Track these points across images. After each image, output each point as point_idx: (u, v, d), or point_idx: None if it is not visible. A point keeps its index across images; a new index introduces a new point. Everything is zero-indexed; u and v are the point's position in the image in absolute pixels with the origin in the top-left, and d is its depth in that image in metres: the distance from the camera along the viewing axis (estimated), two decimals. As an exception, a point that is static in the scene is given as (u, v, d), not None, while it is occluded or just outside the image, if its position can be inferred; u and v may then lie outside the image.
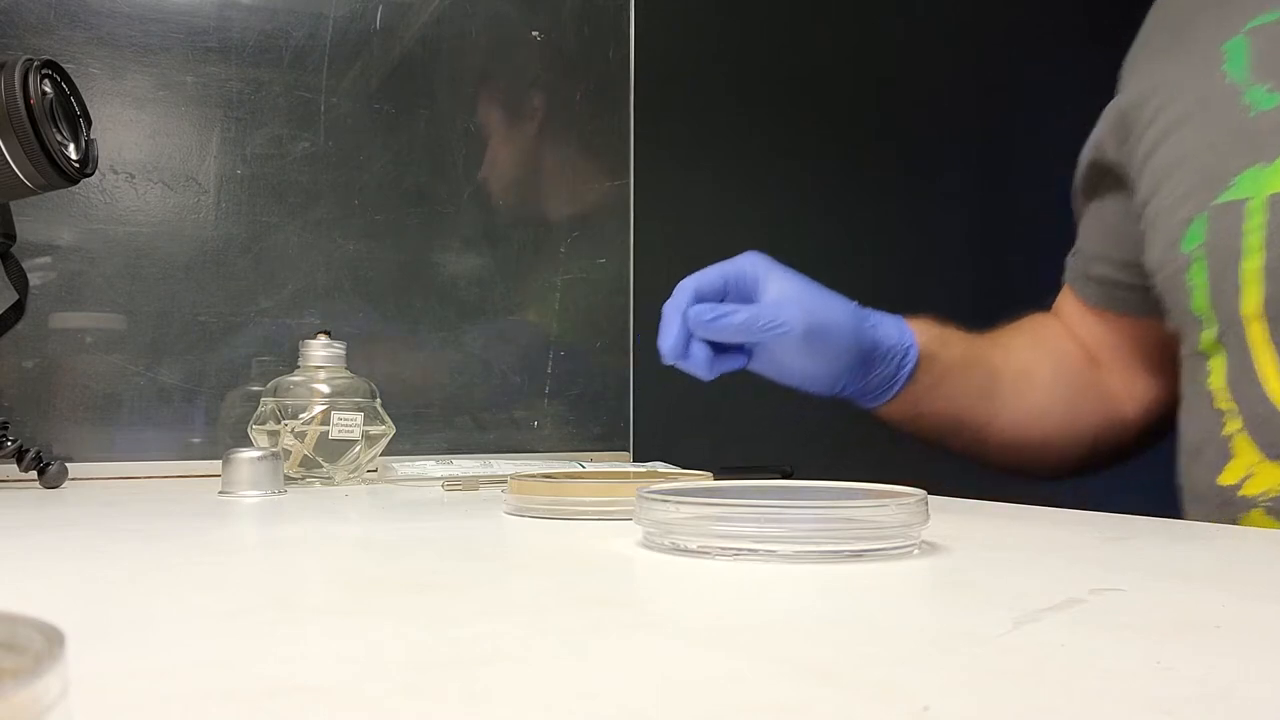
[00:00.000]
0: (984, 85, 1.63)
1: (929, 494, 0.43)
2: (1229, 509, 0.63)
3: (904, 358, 0.73)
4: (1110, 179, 0.77)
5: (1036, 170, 1.67)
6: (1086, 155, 0.80)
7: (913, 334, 0.74)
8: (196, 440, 0.94)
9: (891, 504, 0.41)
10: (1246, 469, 0.63)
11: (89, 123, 0.74)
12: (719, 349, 0.67)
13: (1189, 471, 0.69)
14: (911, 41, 1.58)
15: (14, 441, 0.75)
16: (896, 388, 0.73)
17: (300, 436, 0.78)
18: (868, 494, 0.45)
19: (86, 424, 0.90)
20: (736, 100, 1.45)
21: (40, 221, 0.88)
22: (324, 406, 0.78)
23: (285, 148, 0.99)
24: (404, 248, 1.04)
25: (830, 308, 0.69)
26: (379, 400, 0.82)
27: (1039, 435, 0.80)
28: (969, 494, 0.65)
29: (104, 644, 0.26)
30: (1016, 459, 0.81)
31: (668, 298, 0.67)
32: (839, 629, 0.29)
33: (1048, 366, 0.81)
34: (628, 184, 1.14)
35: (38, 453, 0.76)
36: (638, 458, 1.12)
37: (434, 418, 1.04)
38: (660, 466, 0.87)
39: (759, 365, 0.70)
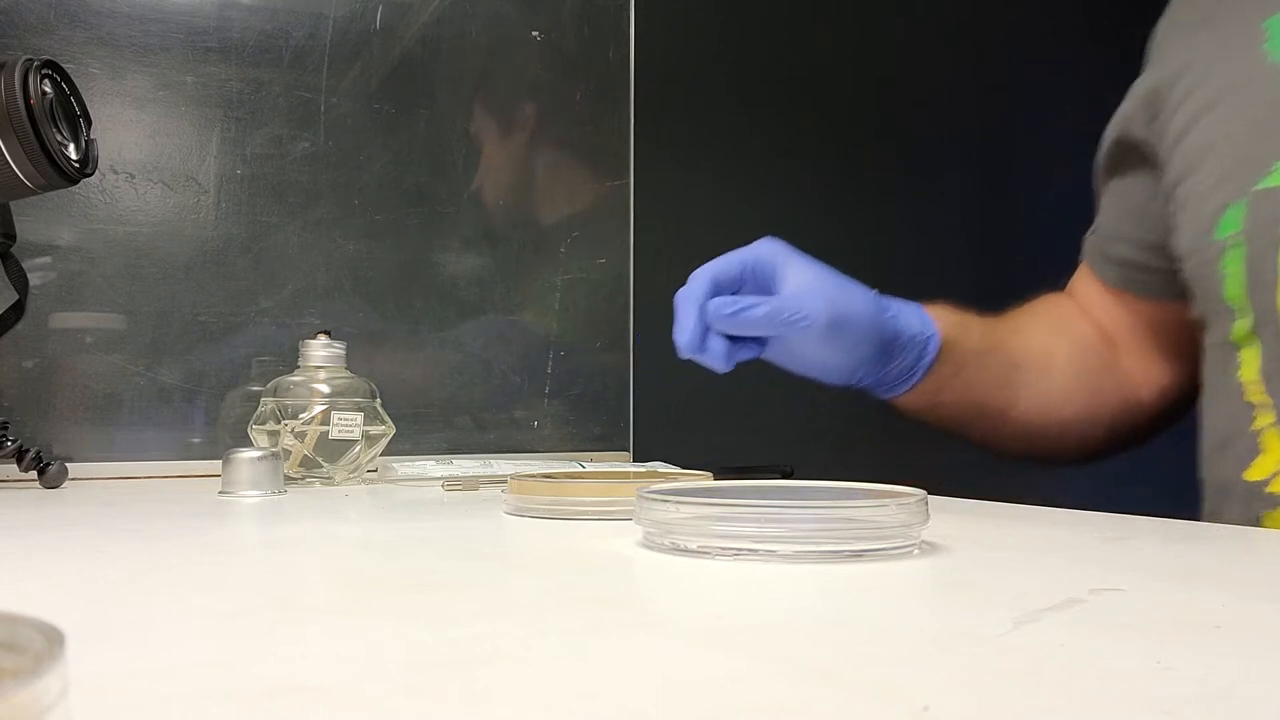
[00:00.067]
0: (984, 85, 1.63)
1: (929, 494, 0.43)
2: (1255, 505, 0.62)
3: (924, 347, 0.70)
4: (1136, 157, 0.75)
5: (1036, 170, 1.67)
6: (1112, 132, 0.77)
7: (934, 324, 0.71)
8: (196, 440, 0.94)
9: (891, 504, 0.41)
10: (1277, 465, 0.61)
11: (89, 123, 0.74)
12: (734, 339, 0.64)
13: (1213, 464, 0.67)
14: (911, 41, 1.58)
15: (14, 441, 0.75)
16: (916, 378, 0.71)
17: (300, 436, 0.78)
18: (868, 494, 0.45)
19: (86, 424, 0.90)
20: (736, 100, 1.44)
21: (40, 221, 0.88)
22: (324, 406, 0.78)
23: (285, 148, 0.99)
24: (404, 248, 1.04)
25: (852, 297, 0.66)
26: (379, 400, 0.82)
27: (1057, 422, 0.78)
28: (969, 494, 0.65)
29: (104, 644, 0.26)
30: (1035, 446, 0.79)
31: (669, 297, 0.66)
32: (839, 629, 0.29)
33: (1066, 352, 0.79)
34: (628, 184, 1.14)
35: (38, 453, 0.76)
36: (638, 458, 1.12)
37: (434, 418, 1.04)
38: (660, 466, 0.87)
39: (774, 355, 0.67)
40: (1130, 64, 0.78)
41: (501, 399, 1.07)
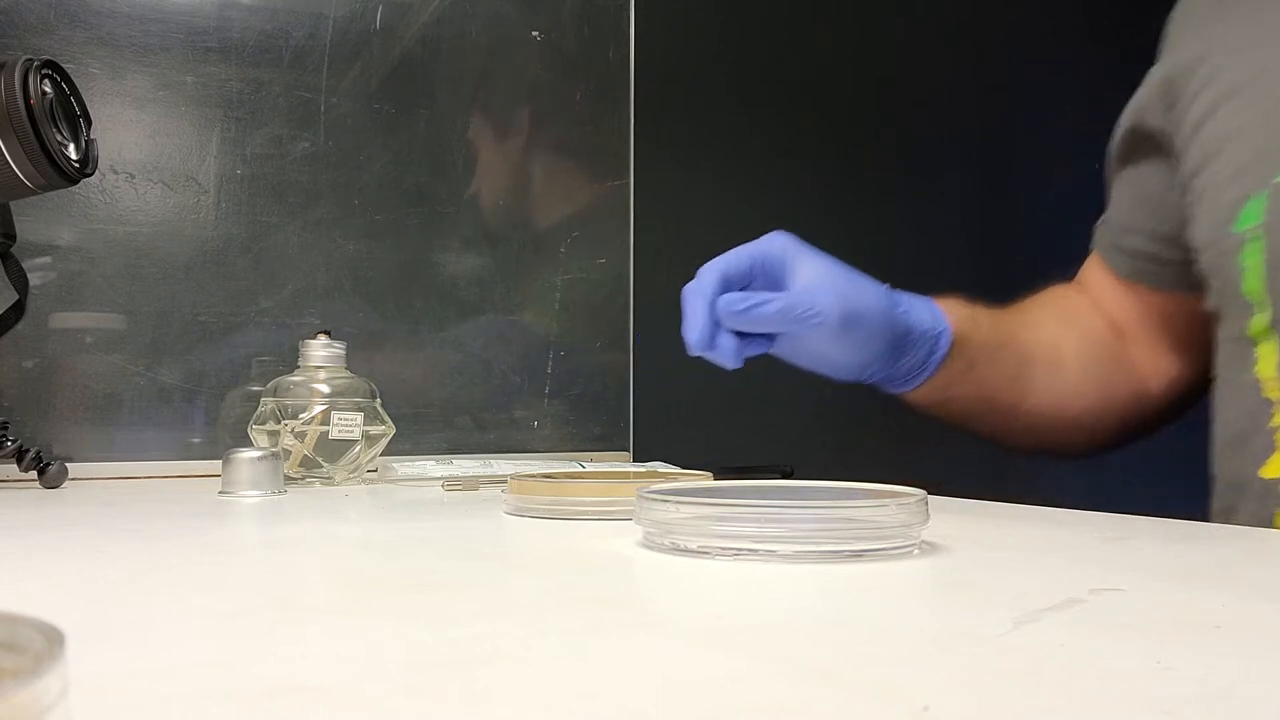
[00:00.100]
0: (984, 85, 1.63)
1: (929, 494, 0.43)
2: (1270, 503, 0.61)
3: (936, 342, 0.69)
4: (1150, 146, 0.74)
5: (1036, 170, 1.67)
6: (1125, 120, 0.76)
7: (945, 319, 0.70)
8: (196, 440, 0.94)
9: (891, 504, 0.41)
10: None
11: (89, 123, 0.74)
12: (744, 335, 0.63)
13: (1227, 461, 0.67)
14: (911, 41, 1.58)
15: (14, 441, 0.75)
16: (927, 373, 0.70)
17: (300, 436, 0.78)
18: (868, 494, 0.45)
19: (86, 424, 0.90)
20: (736, 100, 1.45)
21: (40, 221, 0.88)
22: (324, 406, 0.78)
23: (285, 148, 0.99)
24: (404, 248, 1.04)
25: (864, 293, 0.65)
26: (379, 400, 0.82)
27: (1068, 415, 0.77)
28: (969, 493, 0.65)
29: (104, 644, 0.26)
30: (1045, 440, 0.79)
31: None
32: (839, 629, 0.29)
33: (1075, 344, 0.78)
34: (628, 184, 1.14)
35: (38, 453, 0.76)
36: (638, 458, 1.12)
37: (434, 418, 1.04)
38: (660, 466, 0.87)
39: (783, 351, 0.66)
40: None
41: (501, 399, 1.07)
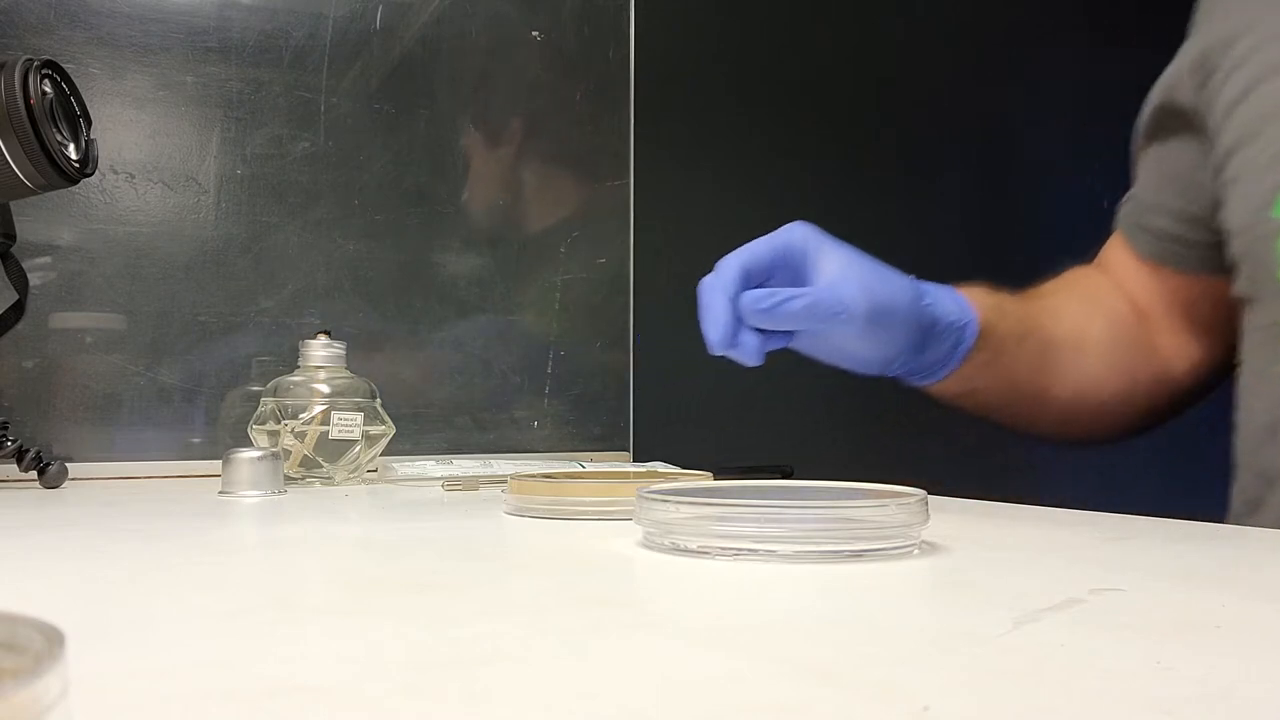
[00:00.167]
0: (984, 85, 1.63)
1: (929, 494, 0.43)
2: None
3: (962, 334, 0.67)
4: (1181, 123, 0.72)
5: (1036, 170, 1.67)
6: (1156, 96, 0.74)
7: (972, 310, 0.68)
8: (196, 440, 0.94)
9: (891, 504, 0.41)
10: None
11: (89, 123, 0.74)
12: (765, 331, 0.60)
13: (1255, 452, 0.65)
14: (911, 41, 1.58)
15: (14, 441, 0.75)
16: (952, 365, 0.68)
17: (300, 436, 0.78)
18: (868, 494, 0.45)
19: (86, 424, 0.90)
20: (736, 100, 1.45)
21: (40, 221, 0.88)
22: (324, 406, 0.78)
23: (285, 148, 0.99)
24: (404, 248, 1.04)
25: (890, 285, 0.62)
26: (379, 400, 0.82)
27: (1093, 403, 0.76)
28: (969, 493, 0.65)
29: (104, 644, 0.26)
30: (1070, 428, 0.77)
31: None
32: (839, 629, 0.29)
33: (1100, 331, 0.76)
34: (628, 184, 1.14)
35: (38, 453, 0.76)
36: (638, 458, 1.12)
37: (434, 418, 1.04)
38: (660, 466, 0.87)
39: (803, 346, 0.63)
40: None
41: (501, 399, 1.07)
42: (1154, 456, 1.43)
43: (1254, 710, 0.21)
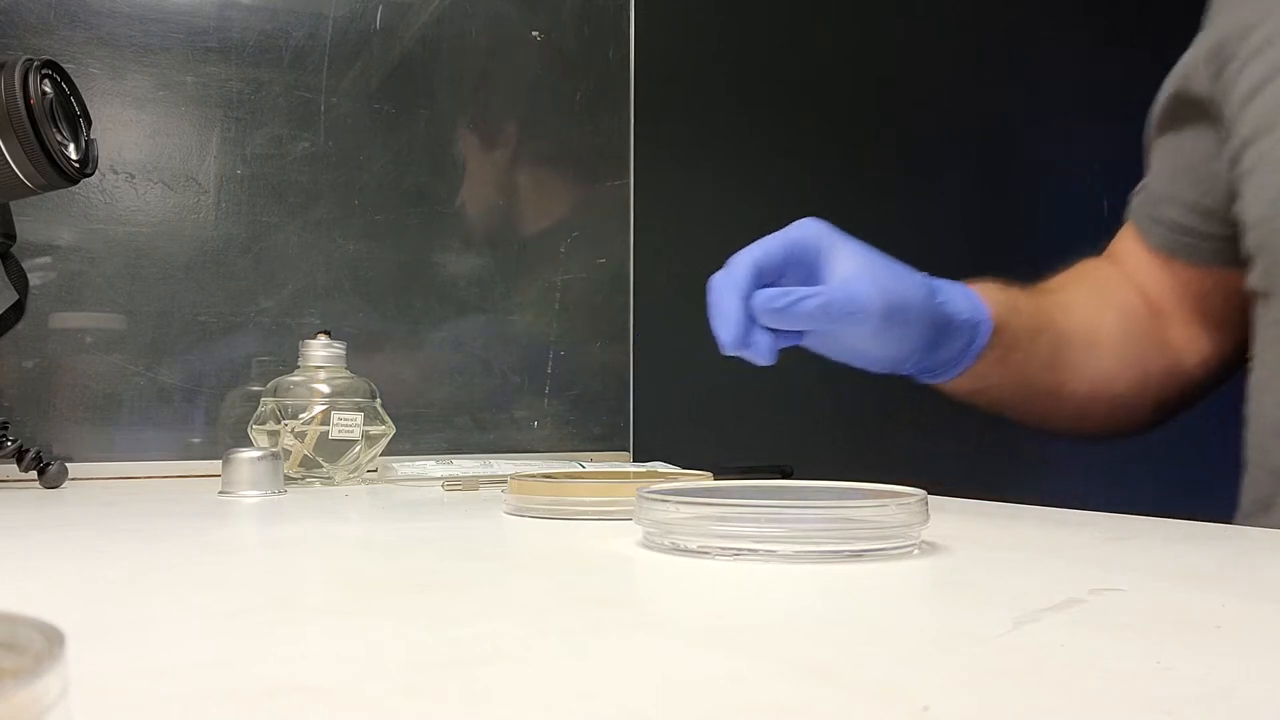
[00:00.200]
0: (984, 85, 1.63)
1: (929, 494, 0.43)
2: None
3: (975, 332, 0.66)
4: (1195, 113, 0.71)
5: (1036, 170, 1.67)
6: (1170, 85, 0.73)
7: (985, 307, 0.67)
8: (196, 440, 0.94)
9: (891, 504, 0.41)
10: None
11: (89, 123, 0.74)
12: (776, 329, 0.58)
13: (1267, 448, 0.64)
14: (911, 41, 1.58)
15: (14, 441, 0.75)
16: (965, 363, 0.67)
17: (300, 436, 0.78)
18: (868, 494, 0.45)
19: (86, 424, 0.90)
20: (736, 100, 1.44)
21: (40, 221, 0.88)
22: (324, 406, 0.78)
23: (285, 148, 0.99)
24: (404, 248, 1.04)
25: (905, 284, 0.61)
26: (379, 400, 0.82)
27: (1106, 398, 0.75)
28: (969, 493, 0.65)
29: (104, 644, 0.26)
30: (1084, 423, 0.77)
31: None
32: (839, 629, 0.29)
33: (1113, 325, 0.76)
34: (628, 184, 1.14)
35: (38, 453, 0.76)
36: (638, 458, 1.12)
37: (434, 418, 1.04)
38: (660, 466, 0.87)
39: (815, 344, 0.62)
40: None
41: (501, 399, 1.07)
42: (1161, 454, 1.43)
43: (1254, 710, 0.21)
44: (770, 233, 0.62)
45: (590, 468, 0.89)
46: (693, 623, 0.30)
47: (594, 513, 0.54)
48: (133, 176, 0.93)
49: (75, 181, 0.71)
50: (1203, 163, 0.71)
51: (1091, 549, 0.45)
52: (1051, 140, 1.66)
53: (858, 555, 0.40)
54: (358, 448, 0.80)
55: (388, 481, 0.83)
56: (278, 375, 0.81)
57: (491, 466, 0.84)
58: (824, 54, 1.51)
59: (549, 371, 1.09)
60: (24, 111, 0.67)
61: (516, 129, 1.10)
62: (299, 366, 0.81)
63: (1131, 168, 0.80)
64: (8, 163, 0.67)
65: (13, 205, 0.77)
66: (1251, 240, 0.65)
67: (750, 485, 0.52)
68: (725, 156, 1.42)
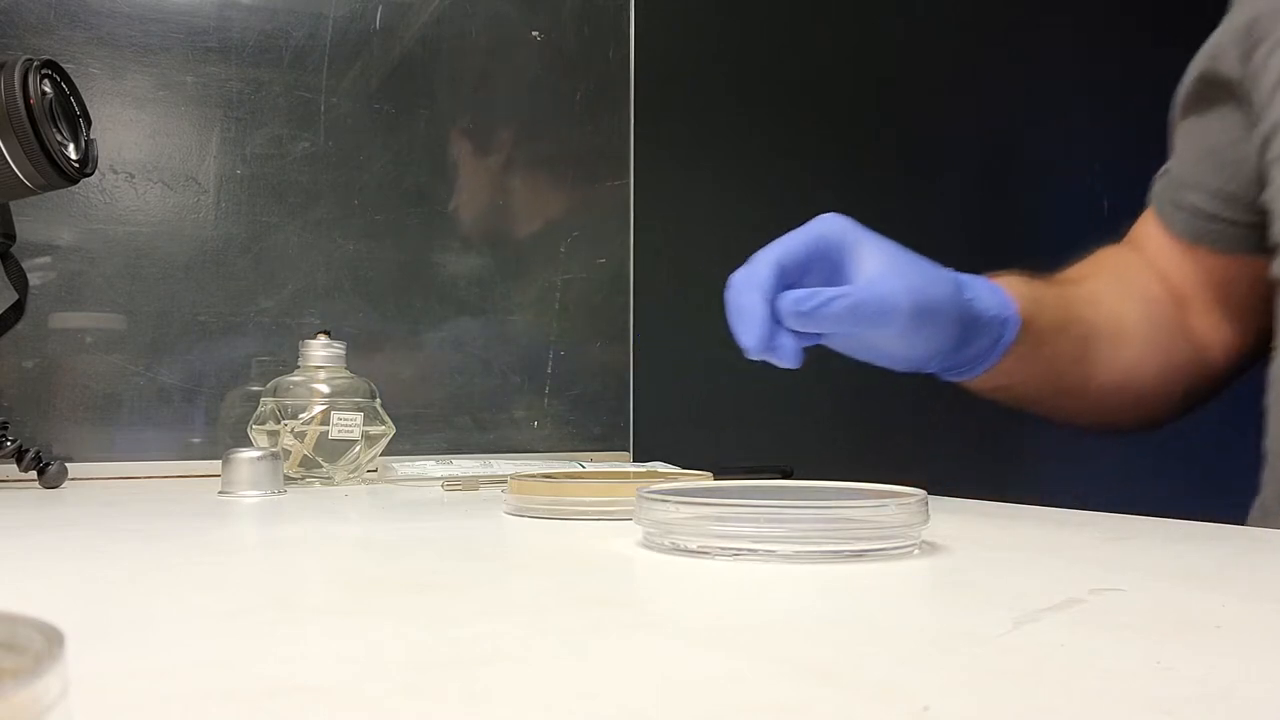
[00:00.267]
0: (984, 85, 1.63)
1: (929, 494, 0.43)
2: None
3: (1003, 329, 0.64)
4: (1223, 94, 0.69)
5: (1036, 170, 1.67)
6: (1197, 66, 0.71)
7: (1013, 303, 0.65)
8: (196, 440, 0.94)
9: (891, 504, 0.41)
10: None
11: (89, 123, 0.74)
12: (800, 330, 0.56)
13: None
14: (911, 41, 1.58)
15: (14, 441, 0.75)
16: (991, 361, 0.65)
17: (300, 436, 0.78)
18: (868, 494, 0.45)
19: (86, 424, 0.90)
20: (736, 100, 1.45)
21: (40, 221, 0.88)
22: (324, 406, 0.78)
23: (285, 148, 0.99)
24: (404, 248, 1.04)
25: (933, 282, 0.59)
26: (379, 400, 0.82)
27: (1133, 391, 0.73)
28: (969, 493, 0.65)
29: (104, 644, 0.26)
30: (1110, 417, 0.75)
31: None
32: (839, 629, 0.29)
33: (1138, 316, 0.74)
34: (628, 184, 1.14)
35: (38, 453, 0.76)
36: (638, 458, 1.12)
37: (434, 418, 1.04)
38: (660, 466, 0.87)
39: (837, 344, 0.60)
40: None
41: (501, 399, 1.07)
42: (1162, 454, 1.43)
43: (1254, 710, 0.21)
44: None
45: (590, 468, 0.89)
46: (693, 623, 0.30)
47: (594, 513, 0.54)
48: (133, 176, 0.93)
49: (75, 181, 0.71)
50: (1229, 146, 0.69)
51: (1091, 549, 0.45)
52: (1051, 140, 1.66)
53: (858, 555, 0.40)
54: (358, 448, 0.80)
55: (388, 481, 0.83)
56: (278, 375, 0.81)
57: (491, 466, 0.84)
58: (824, 54, 1.51)
59: (549, 371, 1.09)
60: (24, 111, 0.67)
61: (516, 129, 1.10)
62: (299, 366, 0.81)
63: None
64: (7, 163, 0.67)
65: (13, 205, 0.77)
66: (1277, 230, 0.64)
67: (750, 485, 0.52)
68: (725, 156, 1.42)
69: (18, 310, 0.78)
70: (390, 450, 0.84)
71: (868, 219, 0.61)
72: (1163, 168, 0.76)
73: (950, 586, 0.37)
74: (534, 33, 1.10)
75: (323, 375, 0.80)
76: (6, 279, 0.78)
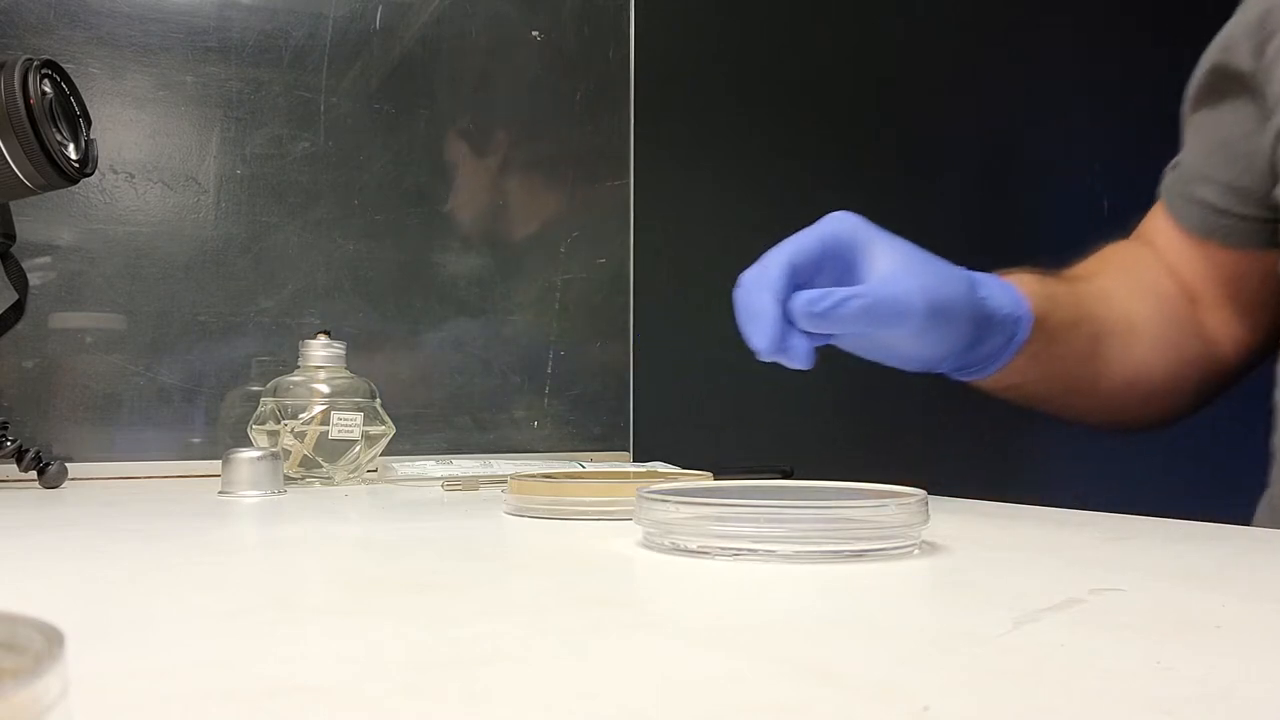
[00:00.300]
0: (984, 85, 1.63)
1: (929, 494, 0.43)
2: None
3: (1016, 327, 0.63)
4: (1235, 88, 0.68)
5: (1036, 170, 1.67)
6: (1208, 58, 0.70)
7: (1025, 302, 0.64)
8: (196, 440, 0.94)
9: (891, 504, 0.41)
10: None
11: (89, 123, 0.74)
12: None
13: None
14: (911, 41, 1.58)
15: (14, 441, 0.75)
16: (1003, 360, 0.64)
17: (300, 436, 0.78)
18: (868, 494, 0.45)
19: (86, 424, 0.90)
20: (736, 100, 1.44)
21: (40, 221, 0.88)
22: (324, 406, 0.78)
23: (285, 148, 0.99)
24: (404, 248, 1.04)
25: (947, 281, 0.58)
26: (379, 400, 0.82)
27: (1144, 389, 0.73)
28: (969, 493, 0.65)
29: (104, 644, 0.26)
30: (1122, 415, 0.75)
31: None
32: (839, 629, 0.29)
33: (1151, 313, 0.73)
34: (628, 184, 1.14)
35: (38, 453, 0.76)
36: (638, 458, 1.12)
37: (434, 418, 1.04)
38: (660, 466, 0.87)
39: (848, 344, 0.59)
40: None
41: (501, 399, 1.07)
42: (1162, 454, 1.43)
43: (1254, 710, 0.21)
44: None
45: (590, 468, 0.89)
46: (693, 623, 0.30)
47: (594, 513, 0.54)
48: (133, 176, 0.93)
49: (75, 181, 0.71)
50: (1240, 140, 0.68)
51: (1091, 549, 0.45)
52: (1051, 140, 1.66)
53: (858, 555, 0.40)
54: (358, 448, 0.80)
55: (388, 481, 0.83)
56: (278, 375, 0.81)
57: (491, 466, 0.84)
58: (824, 54, 1.51)
59: (549, 371, 1.09)
60: (24, 111, 0.67)
61: (516, 129, 1.10)
62: (299, 366, 0.81)
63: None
64: (7, 163, 0.67)
65: (13, 205, 0.77)
66: None
67: (750, 485, 0.52)
68: (725, 156, 1.42)
69: (18, 310, 0.78)
70: (390, 450, 0.84)
71: (868, 219, 0.61)
72: (1173, 160, 0.75)
73: (950, 586, 0.37)
74: (534, 33, 1.10)
75: (323, 375, 0.80)
76: (6, 279, 0.78)
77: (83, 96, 0.74)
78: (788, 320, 0.54)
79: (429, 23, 1.05)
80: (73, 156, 0.71)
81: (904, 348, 0.59)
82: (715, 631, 0.29)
